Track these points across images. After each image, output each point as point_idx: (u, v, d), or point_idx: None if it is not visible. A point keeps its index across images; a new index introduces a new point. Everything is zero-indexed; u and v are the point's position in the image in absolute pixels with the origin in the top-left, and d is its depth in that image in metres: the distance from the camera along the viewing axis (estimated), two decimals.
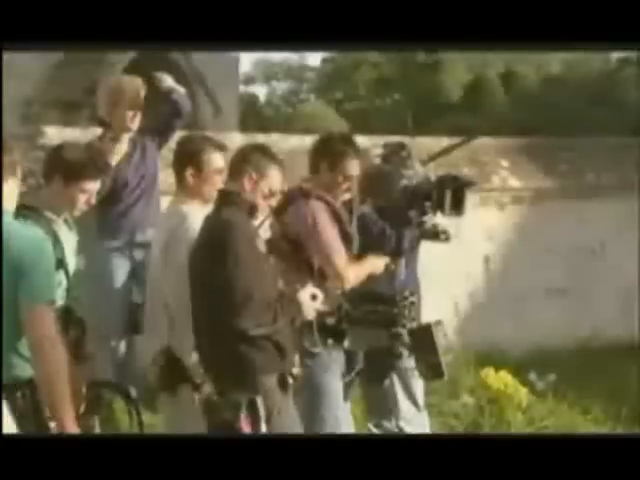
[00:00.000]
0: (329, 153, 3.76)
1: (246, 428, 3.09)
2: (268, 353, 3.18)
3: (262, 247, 3.32)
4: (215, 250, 3.21)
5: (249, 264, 3.17)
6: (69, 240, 3.56)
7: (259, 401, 3.12)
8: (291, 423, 3.26)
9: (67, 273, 3.47)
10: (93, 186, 3.54)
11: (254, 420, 3.11)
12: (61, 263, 3.44)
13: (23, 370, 2.86)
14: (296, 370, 3.30)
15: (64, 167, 3.48)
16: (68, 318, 3.31)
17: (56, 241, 3.45)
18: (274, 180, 3.33)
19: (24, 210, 3.25)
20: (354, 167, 3.76)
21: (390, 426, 3.98)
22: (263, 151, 3.40)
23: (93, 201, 3.58)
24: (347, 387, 3.74)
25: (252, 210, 3.30)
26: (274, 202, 3.39)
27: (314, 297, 3.31)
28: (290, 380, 3.25)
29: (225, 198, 3.32)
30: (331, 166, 3.73)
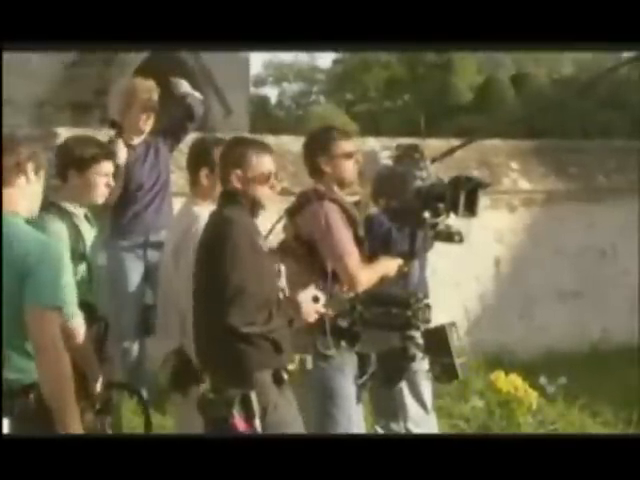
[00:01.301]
0: (321, 146, 3.74)
1: (240, 424, 3.07)
2: (262, 349, 3.14)
3: (264, 245, 3.29)
4: (213, 245, 3.20)
5: (246, 261, 3.14)
6: (90, 236, 3.61)
7: (253, 397, 3.09)
8: (290, 418, 3.22)
9: (89, 268, 3.52)
10: (108, 167, 3.61)
11: (248, 416, 3.08)
12: (83, 257, 3.48)
13: (34, 372, 2.86)
14: (291, 366, 3.26)
15: (74, 160, 3.54)
16: (90, 314, 3.33)
17: (78, 235, 3.50)
18: (260, 164, 3.26)
19: (47, 205, 3.30)
20: (349, 146, 3.74)
21: (398, 428, 3.98)
22: (236, 144, 3.35)
23: (112, 183, 3.65)
24: (360, 389, 3.74)
25: (254, 207, 3.27)
26: (277, 185, 3.31)
27: (316, 299, 3.27)
28: (285, 376, 3.21)
29: (227, 198, 3.29)
30: (328, 156, 3.71)
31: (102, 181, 3.58)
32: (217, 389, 3.15)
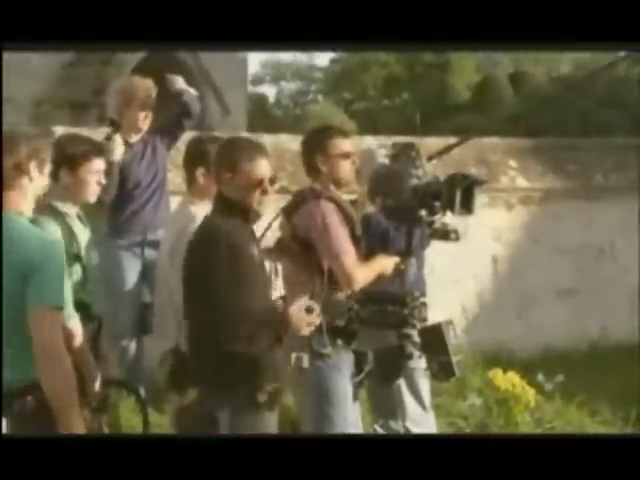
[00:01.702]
0: (318, 145, 3.74)
1: None
2: (243, 368, 3.07)
3: (256, 252, 3.22)
4: (200, 254, 3.15)
5: (232, 274, 3.07)
6: (83, 236, 3.61)
7: (224, 414, 3.06)
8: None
9: (84, 268, 3.51)
10: (99, 165, 3.61)
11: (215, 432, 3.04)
12: (77, 257, 3.48)
13: (34, 373, 2.86)
14: (270, 386, 3.15)
15: (66, 158, 3.53)
16: (85, 313, 3.33)
17: (72, 235, 3.50)
18: (253, 169, 3.17)
19: (40, 206, 3.30)
20: (346, 145, 3.75)
21: (396, 427, 3.99)
22: (229, 147, 3.26)
23: (104, 180, 3.65)
24: (357, 388, 3.74)
25: (247, 213, 3.19)
26: (270, 190, 3.22)
27: (309, 310, 3.18)
28: (262, 398, 3.13)
29: (219, 202, 3.23)
30: (325, 156, 3.71)
31: (93, 179, 3.57)
32: (196, 401, 3.12)
